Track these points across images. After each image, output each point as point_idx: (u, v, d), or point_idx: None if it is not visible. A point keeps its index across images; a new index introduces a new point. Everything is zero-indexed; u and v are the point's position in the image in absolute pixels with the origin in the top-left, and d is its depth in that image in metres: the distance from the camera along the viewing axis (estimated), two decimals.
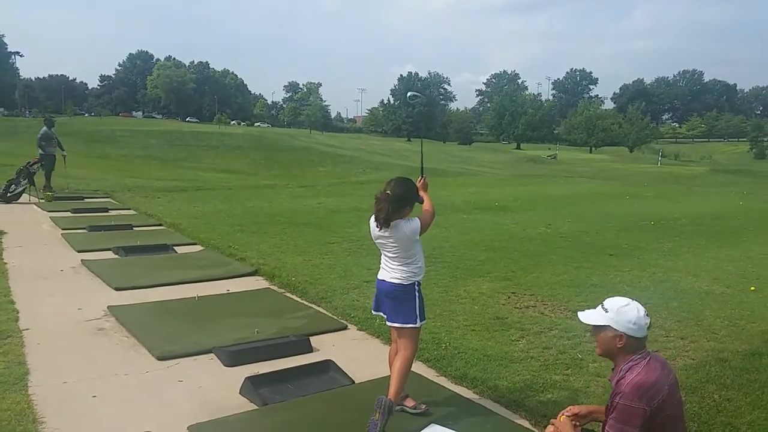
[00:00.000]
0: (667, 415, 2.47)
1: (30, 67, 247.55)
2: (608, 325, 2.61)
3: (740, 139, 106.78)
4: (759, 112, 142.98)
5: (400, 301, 3.50)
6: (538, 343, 4.87)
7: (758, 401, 3.84)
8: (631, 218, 12.80)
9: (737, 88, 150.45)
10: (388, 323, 3.61)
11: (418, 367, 4.38)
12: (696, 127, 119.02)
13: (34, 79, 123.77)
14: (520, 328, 5.22)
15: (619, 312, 2.61)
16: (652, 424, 2.45)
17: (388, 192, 3.41)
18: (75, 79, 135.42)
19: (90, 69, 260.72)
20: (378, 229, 3.46)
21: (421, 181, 3.71)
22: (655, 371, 2.53)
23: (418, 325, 3.50)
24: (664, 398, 2.47)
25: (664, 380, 2.52)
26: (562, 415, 2.85)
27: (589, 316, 2.71)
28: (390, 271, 3.53)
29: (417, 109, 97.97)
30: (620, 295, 2.73)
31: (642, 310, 2.61)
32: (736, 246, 9.76)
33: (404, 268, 3.48)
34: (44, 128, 14.42)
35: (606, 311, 2.64)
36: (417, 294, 3.50)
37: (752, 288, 6.88)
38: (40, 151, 13.98)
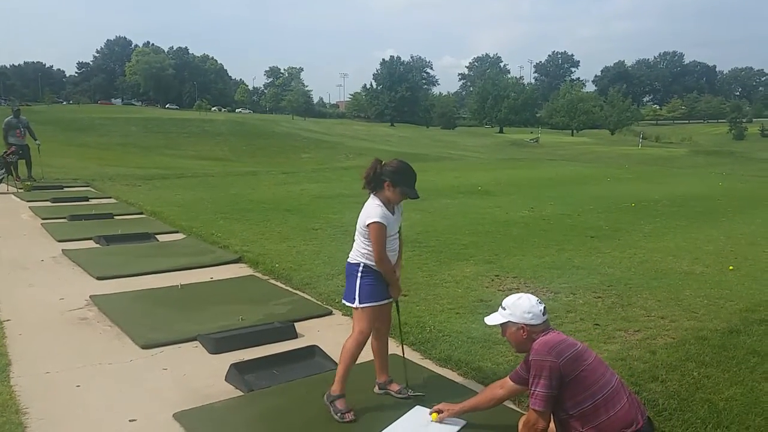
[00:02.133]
0: (582, 371, 2.69)
1: (3, 54, 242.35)
2: (509, 321, 2.89)
3: (720, 121, 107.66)
4: (738, 93, 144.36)
5: (347, 278, 3.58)
6: None
7: (736, 377, 3.92)
8: (613, 200, 12.93)
9: (717, 69, 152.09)
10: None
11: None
12: (676, 108, 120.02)
13: (9, 67, 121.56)
14: None
15: (514, 306, 2.88)
16: (569, 379, 2.68)
17: (381, 161, 3.47)
18: (52, 66, 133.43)
19: (67, 56, 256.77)
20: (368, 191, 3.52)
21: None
22: (562, 335, 2.83)
23: (355, 305, 3.46)
24: (575, 354, 2.72)
25: (571, 342, 2.79)
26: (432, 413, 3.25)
27: (493, 318, 2.98)
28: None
29: (400, 93, 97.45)
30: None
31: (534, 299, 2.90)
32: (716, 226, 9.91)
33: (355, 245, 3.55)
34: (9, 117, 14.23)
35: (504, 309, 2.92)
36: (359, 275, 3.48)
37: (731, 267, 7.00)
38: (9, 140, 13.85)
